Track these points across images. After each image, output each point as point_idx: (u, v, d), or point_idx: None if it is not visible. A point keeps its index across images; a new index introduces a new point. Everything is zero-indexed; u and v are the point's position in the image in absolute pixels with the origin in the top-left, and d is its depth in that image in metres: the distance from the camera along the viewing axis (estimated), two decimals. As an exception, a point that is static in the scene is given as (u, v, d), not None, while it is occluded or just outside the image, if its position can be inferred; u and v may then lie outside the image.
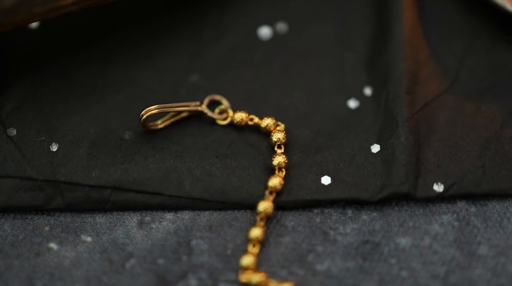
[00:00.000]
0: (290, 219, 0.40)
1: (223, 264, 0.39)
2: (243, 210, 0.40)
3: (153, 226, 0.40)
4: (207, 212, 0.41)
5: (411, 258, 0.39)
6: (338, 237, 0.40)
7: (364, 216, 0.40)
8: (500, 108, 0.43)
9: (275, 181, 0.40)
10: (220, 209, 0.41)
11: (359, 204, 0.40)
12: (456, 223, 0.40)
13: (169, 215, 0.41)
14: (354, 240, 0.39)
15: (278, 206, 0.40)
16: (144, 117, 0.42)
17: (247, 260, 0.38)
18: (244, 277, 0.38)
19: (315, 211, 0.40)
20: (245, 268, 0.38)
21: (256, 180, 0.41)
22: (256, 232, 0.39)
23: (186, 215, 0.41)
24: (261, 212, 0.39)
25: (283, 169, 0.41)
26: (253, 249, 0.39)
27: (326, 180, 0.41)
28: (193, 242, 0.40)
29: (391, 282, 0.38)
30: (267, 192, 0.40)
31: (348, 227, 0.40)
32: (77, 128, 0.43)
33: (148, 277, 0.39)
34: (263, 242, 0.40)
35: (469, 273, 0.38)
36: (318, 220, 0.40)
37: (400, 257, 0.39)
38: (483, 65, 0.45)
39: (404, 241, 0.39)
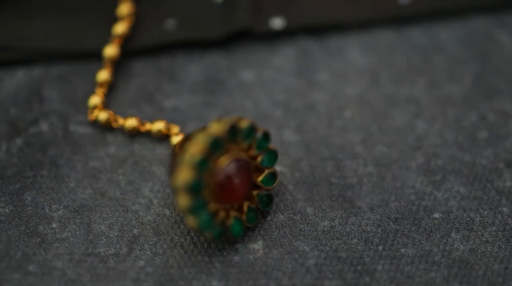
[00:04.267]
0: (138, 64, 0.41)
1: (74, 108, 0.40)
2: (93, 60, 0.41)
3: (4, 81, 0.41)
4: (57, 65, 0.41)
5: (254, 89, 0.41)
6: (184, 76, 0.41)
7: (209, 56, 0.42)
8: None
9: (121, 27, 0.41)
10: (69, 60, 0.42)
11: (204, 45, 0.42)
12: (297, 55, 0.42)
13: (20, 71, 0.41)
14: (200, 78, 0.41)
15: (126, 52, 0.42)
16: (-12, -25, 0.42)
17: (95, 100, 0.39)
18: (92, 115, 0.39)
19: (162, 55, 0.42)
20: (93, 108, 0.39)
21: (103, 29, 0.42)
22: (103, 75, 0.40)
23: (36, 69, 0.41)
24: (107, 56, 0.41)
25: (130, 17, 0.42)
26: (101, 91, 0.40)
27: (171, 24, 0.42)
28: (45, 92, 0.41)
29: (235, 111, 0.40)
30: (113, 39, 0.41)
31: (194, 67, 0.41)
32: None
33: (0, 125, 0.40)
34: (111, 87, 0.41)
35: (309, 98, 0.40)
36: (165, 63, 0.42)
37: (244, 90, 0.41)
38: None
39: (247, 75, 0.41)
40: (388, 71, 0.41)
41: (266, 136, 0.35)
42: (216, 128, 0.33)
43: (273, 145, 0.37)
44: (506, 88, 0.40)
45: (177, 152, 0.34)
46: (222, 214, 0.34)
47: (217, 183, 0.34)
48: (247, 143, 0.34)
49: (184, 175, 0.33)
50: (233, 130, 0.33)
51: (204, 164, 0.33)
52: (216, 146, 0.33)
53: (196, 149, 0.33)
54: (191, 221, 0.33)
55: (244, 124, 0.34)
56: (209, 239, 0.35)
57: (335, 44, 0.42)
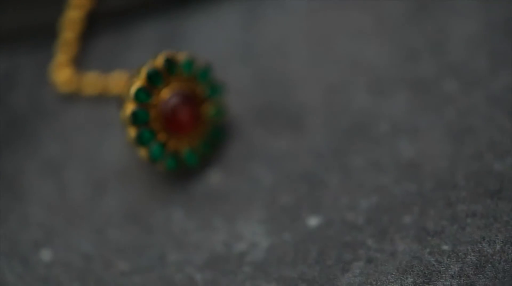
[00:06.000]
0: (98, 30, 0.44)
1: (42, 78, 0.43)
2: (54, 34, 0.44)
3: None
4: (27, 51, 0.44)
5: (206, 38, 0.43)
6: (142, 35, 0.43)
7: (164, 14, 0.44)
8: None
9: (78, -1, 0.44)
10: (37, 41, 0.45)
11: (158, 6, 0.45)
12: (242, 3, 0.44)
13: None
14: (159, 32, 0.43)
15: (87, 19, 0.44)
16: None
17: (60, 67, 0.42)
18: (59, 82, 0.42)
19: (125, 23, 0.45)
20: (59, 74, 0.42)
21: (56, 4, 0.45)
22: (65, 41, 0.43)
23: (5, 62, 0.44)
24: (68, 20, 0.43)
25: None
26: (65, 58, 0.43)
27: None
28: (18, 75, 0.44)
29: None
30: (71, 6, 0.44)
31: (150, 25, 0.44)
32: None
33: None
34: (75, 56, 0.44)
35: (257, 36, 0.42)
36: (130, 30, 0.44)
37: (197, 42, 0.43)
38: None
39: (198, 30, 0.43)
40: (332, 5, 0.43)
41: (207, 67, 0.37)
42: (153, 61, 0.36)
43: (217, 77, 0.39)
44: (443, 6, 0.41)
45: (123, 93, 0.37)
46: (173, 145, 0.37)
47: (162, 114, 0.36)
48: (188, 75, 0.37)
49: (127, 108, 0.35)
50: (170, 62, 0.36)
51: (144, 96, 0.35)
52: (154, 78, 0.35)
53: (135, 83, 0.35)
54: (142, 152, 0.36)
55: (181, 56, 0.36)
56: (164, 170, 0.37)
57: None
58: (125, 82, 0.37)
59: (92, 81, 0.41)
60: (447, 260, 0.34)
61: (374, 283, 0.34)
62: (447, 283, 0.33)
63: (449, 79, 0.39)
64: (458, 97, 0.38)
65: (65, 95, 0.42)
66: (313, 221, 0.36)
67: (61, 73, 0.42)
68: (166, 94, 0.36)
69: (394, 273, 0.34)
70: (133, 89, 0.35)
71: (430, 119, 0.38)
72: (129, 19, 0.44)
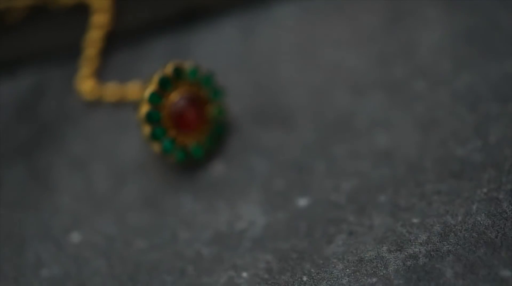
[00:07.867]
0: (120, 49, 0.51)
1: (70, 90, 0.49)
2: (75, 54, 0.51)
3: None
4: (56, 66, 0.51)
5: (209, 50, 0.49)
6: (153, 49, 0.50)
7: (175, 31, 0.51)
8: None
9: (99, 17, 0.50)
10: (64, 57, 0.51)
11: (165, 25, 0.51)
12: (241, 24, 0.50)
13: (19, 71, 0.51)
14: (167, 46, 0.50)
15: (109, 37, 0.51)
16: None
17: (87, 85, 0.48)
18: (84, 92, 0.48)
19: (138, 40, 0.51)
20: (84, 86, 0.48)
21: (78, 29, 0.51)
22: (90, 54, 0.49)
23: (36, 75, 0.51)
24: (91, 40, 0.50)
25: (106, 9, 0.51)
26: (88, 71, 0.49)
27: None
28: (47, 86, 0.50)
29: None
30: (93, 28, 0.51)
31: (160, 41, 0.50)
32: None
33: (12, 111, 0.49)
34: (97, 71, 0.50)
35: (254, 49, 0.48)
36: (142, 46, 0.50)
37: (203, 52, 0.49)
38: None
39: (204, 40, 0.50)
40: (316, 19, 0.49)
41: (210, 74, 0.43)
42: (163, 69, 0.42)
43: (219, 82, 0.45)
44: (412, 17, 0.48)
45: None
46: (182, 140, 0.43)
47: (172, 114, 0.42)
48: (193, 81, 0.43)
49: (142, 109, 0.41)
50: (178, 70, 0.42)
51: (157, 98, 0.42)
52: (164, 83, 0.42)
53: (149, 88, 0.42)
54: (155, 146, 0.42)
55: (187, 65, 0.43)
56: (174, 162, 0.43)
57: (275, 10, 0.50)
58: (140, 88, 0.43)
59: (111, 90, 0.48)
60: (416, 230, 0.40)
61: (354, 251, 0.40)
62: (416, 249, 0.39)
63: (418, 79, 0.45)
64: (425, 95, 0.44)
65: (89, 103, 0.48)
66: (302, 202, 0.42)
67: (85, 84, 0.48)
68: (175, 97, 0.42)
69: (371, 243, 0.40)
70: (147, 93, 0.41)
71: (402, 114, 0.44)
72: (141, 37, 0.51)
